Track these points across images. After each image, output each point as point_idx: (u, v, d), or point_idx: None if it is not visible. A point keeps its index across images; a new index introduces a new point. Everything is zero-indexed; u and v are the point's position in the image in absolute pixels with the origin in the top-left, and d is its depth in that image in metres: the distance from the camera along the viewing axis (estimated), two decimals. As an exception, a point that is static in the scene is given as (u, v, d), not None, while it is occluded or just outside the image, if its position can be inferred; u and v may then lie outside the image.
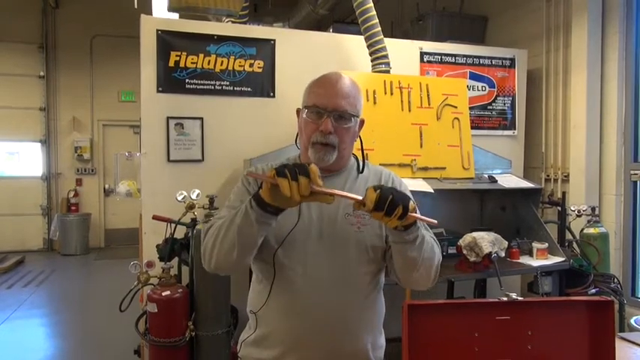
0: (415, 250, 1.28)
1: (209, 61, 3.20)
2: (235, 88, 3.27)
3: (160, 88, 3.13)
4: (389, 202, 1.14)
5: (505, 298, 0.97)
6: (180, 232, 2.85)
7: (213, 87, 3.23)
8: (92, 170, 8.85)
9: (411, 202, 1.19)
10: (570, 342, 0.98)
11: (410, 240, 1.25)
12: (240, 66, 3.27)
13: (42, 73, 8.47)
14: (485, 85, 3.87)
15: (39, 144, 8.61)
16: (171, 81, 3.14)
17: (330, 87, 1.38)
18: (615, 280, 3.08)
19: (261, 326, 1.41)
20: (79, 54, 8.60)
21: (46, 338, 4.68)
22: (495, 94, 3.90)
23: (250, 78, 3.29)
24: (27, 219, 8.51)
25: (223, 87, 3.25)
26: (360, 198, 1.17)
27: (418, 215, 1.20)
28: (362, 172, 1.48)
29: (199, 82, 3.20)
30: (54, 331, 4.82)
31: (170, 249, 2.74)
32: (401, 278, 1.40)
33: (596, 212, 3.31)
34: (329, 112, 1.35)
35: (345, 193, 1.20)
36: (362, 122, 1.46)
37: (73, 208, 8.54)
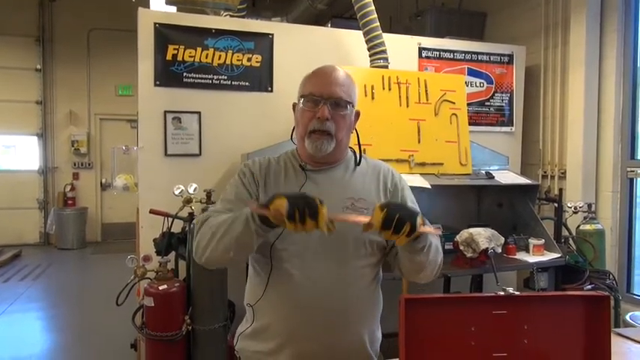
0: (423, 255, 1.31)
1: (207, 55, 3.19)
2: (233, 83, 3.26)
3: (158, 82, 3.12)
4: (396, 221, 1.14)
5: (502, 293, 0.98)
6: (177, 227, 2.84)
7: (210, 81, 3.22)
8: (89, 164, 8.83)
9: (419, 218, 1.19)
10: (566, 336, 0.98)
11: (418, 249, 1.28)
12: (238, 60, 3.26)
13: (39, 67, 8.43)
14: (483, 81, 3.87)
15: (35, 137, 8.58)
16: (168, 75, 3.13)
17: (325, 76, 1.41)
18: (611, 276, 3.09)
19: (258, 319, 1.41)
20: (75, 47, 8.56)
21: (43, 332, 4.68)
22: (493, 90, 3.90)
23: (248, 72, 3.28)
24: (23, 213, 8.49)
25: (221, 81, 3.24)
26: (366, 220, 1.18)
27: (425, 229, 1.21)
28: (359, 164, 1.49)
29: (197, 76, 3.19)
30: (50, 325, 4.82)
31: (167, 243, 2.74)
32: (406, 276, 1.45)
33: (593, 209, 3.32)
34: (325, 99, 1.37)
35: (350, 218, 1.24)
36: (357, 114, 1.47)
37: (70, 202, 8.52)
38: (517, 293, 0.98)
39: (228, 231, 1.26)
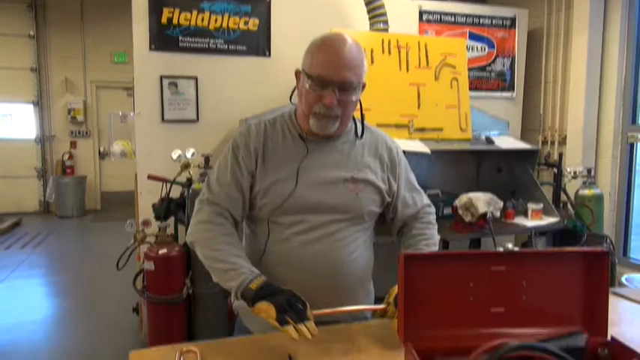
0: None
1: (203, 19, 3.13)
2: (230, 47, 3.21)
3: (153, 46, 3.07)
4: None
5: (501, 249, 0.98)
6: (175, 192, 2.84)
7: (207, 45, 3.16)
8: (86, 133, 8.77)
9: None
10: (564, 292, 0.99)
11: None
12: (234, 24, 3.20)
13: (32, 33, 8.26)
14: (484, 45, 3.81)
15: (31, 106, 8.49)
16: (164, 39, 3.07)
17: (336, 56, 1.29)
18: (608, 240, 3.11)
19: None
20: (69, 12, 8.38)
21: (46, 297, 4.74)
22: (495, 55, 3.84)
23: (245, 36, 3.22)
24: (22, 181, 8.49)
25: (218, 45, 3.18)
26: (381, 308, 1.31)
27: None
28: (361, 138, 1.46)
29: (193, 40, 3.13)
30: (53, 291, 4.88)
31: (166, 208, 2.74)
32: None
33: (592, 174, 3.31)
34: (334, 85, 1.29)
35: (365, 307, 1.40)
36: (363, 86, 1.40)
37: (69, 170, 8.50)
38: (516, 249, 0.98)
39: (219, 276, 1.33)
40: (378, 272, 1.56)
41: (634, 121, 3.54)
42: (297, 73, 1.39)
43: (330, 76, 1.28)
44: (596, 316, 0.97)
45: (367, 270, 1.50)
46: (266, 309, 1.18)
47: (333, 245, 1.38)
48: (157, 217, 2.76)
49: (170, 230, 2.77)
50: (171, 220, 2.82)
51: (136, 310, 3.41)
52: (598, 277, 0.98)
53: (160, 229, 2.69)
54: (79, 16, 8.45)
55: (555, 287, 1.00)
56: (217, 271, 1.33)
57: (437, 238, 1.53)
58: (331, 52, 1.30)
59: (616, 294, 1.60)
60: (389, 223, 1.57)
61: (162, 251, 2.59)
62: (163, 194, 2.80)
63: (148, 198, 2.97)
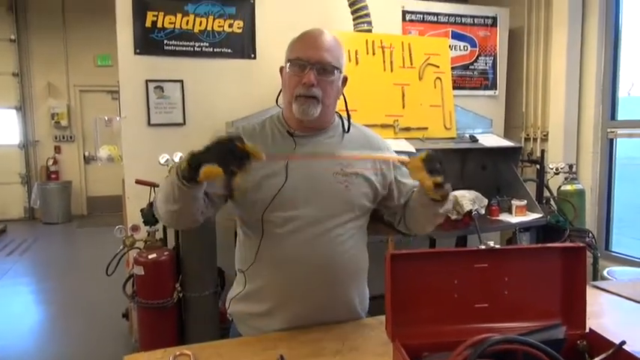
0: (442, 217, 1.44)
1: (187, 21, 3.13)
2: (215, 50, 3.22)
3: (138, 50, 3.06)
4: (438, 162, 1.31)
5: (483, 247, 1.01)
6: (164, 196, 2.84)
7: (192, 48, 3.17)
8: (71, 137, 8.67)
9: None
10: (544, 286, 1.03)
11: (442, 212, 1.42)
12: (219, 26, 3.21)
13: (13, 37, 8.15)
14: (467, 44, 3.86)
15: (14, 111, 8.38)
16: (149, 42, 3.07)
17: (313, 40, 1.38)
18: (590, 234, 3.18)
19: (251, 282, 1.43)
20: (50, 15, 8.27)
21: (35, 305, 4.70)
22: (477, 53, 3.90)
23: (230, 39, 3.23)
24: (6, 188, 8.36)
25: (203, 48, 3.19)
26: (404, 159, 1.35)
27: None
28: (348, 131, 1.48)
29: (178, 43, 3.13)
30: (41, 298, 4.84)
31: (154, 213, 2.74)
32: (410, 227, 1.54)
33: (574, 169, 3.38)
34: (312, 65, 1.35)
35: (378, 156, 1.46)
36: (345, 79, 1.45)
37: (53, 176, 8.41)
38: (498, 247, 1.02)
39: (167, 194, 1.31)
40: (369, 272, 1.57)
41: (613, 116, 3.62)
42: (281, 69, 1.45)
43: (308, 56, 1.35)
44: (575, 309, 1.01)
45: (361, 269, 1.49)
46: (212, 170, 1.16)
47: (326, 241, 1.38)
48: (146, 222, 2.75)
49: (159, 235, 2.78)
50: (160, 224, 2.82)
51: (126, 315, 3.41)
52: (576, 271, 1.02)
53: (149, 234, 2.69)
54: (61, 18, 8.34)
55: (536, 282, 1.04)
56: (165, 193, 1.33)
57: None
58: (309, 38, 1.40)
59: (597, 287, 1.65)
60: (398, 223, 1.56)
61: (152, 256, 2.60)
62: (151, 199, 2.80)
63: (136, 203, 2.97)
